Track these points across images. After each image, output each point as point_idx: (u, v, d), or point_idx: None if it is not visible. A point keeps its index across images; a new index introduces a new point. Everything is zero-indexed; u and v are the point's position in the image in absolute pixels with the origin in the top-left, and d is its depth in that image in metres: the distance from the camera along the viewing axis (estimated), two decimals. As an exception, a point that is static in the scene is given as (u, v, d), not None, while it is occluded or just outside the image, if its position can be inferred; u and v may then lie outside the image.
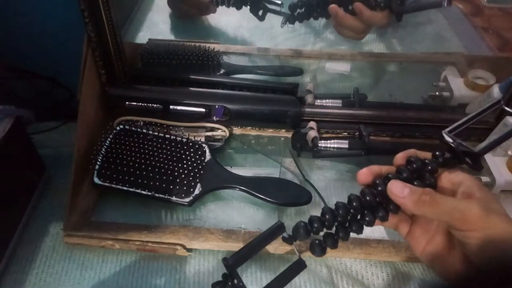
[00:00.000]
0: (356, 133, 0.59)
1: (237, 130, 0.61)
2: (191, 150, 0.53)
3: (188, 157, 0.52)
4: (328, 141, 0.57)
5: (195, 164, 0.52)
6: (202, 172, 0.52)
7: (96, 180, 0.50)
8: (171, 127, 0.57)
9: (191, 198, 0.50)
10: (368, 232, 0.50)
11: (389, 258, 0.47)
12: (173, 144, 0.53)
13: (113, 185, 0.50)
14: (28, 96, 0.70)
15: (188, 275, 0.47)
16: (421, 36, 0.76)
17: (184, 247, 0.47)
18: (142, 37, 0.73)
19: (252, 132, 0.61)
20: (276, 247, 0.47)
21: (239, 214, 0.51)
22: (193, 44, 0.68)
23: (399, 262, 0.48)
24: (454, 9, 0.79)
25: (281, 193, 0.51)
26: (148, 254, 0.48)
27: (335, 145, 0.57)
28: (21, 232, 0.49)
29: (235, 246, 0.47)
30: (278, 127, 0.61)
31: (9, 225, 0.48)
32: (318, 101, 0.62)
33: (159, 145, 0.52)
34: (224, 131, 0.59)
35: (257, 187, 0.51)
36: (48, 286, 0.45)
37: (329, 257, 0.48)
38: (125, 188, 0.49)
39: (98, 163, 0.51)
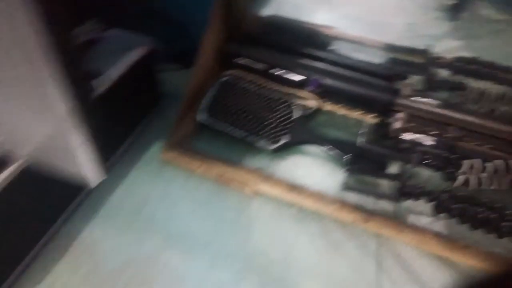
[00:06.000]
0: (445, 135, 0.57)
1: (326, 106, 0.64)
2: (284, 104, 0.61)
3: (280, 110, 0.60)
4: (414, 136, 0.57)
5: (286, 117, 0.59)
6: (292, 125, 0.59)
7: (199, 117, 0.60)
8: (269, 87, 0.63)
9: (277, 145, 0.57)
10: (426, 223, 0.49)
11: (442, 253, 0.47)
12: (270, 97, 0.61)
13: (212, 124, 0.59)
14: (161, 39, 0.79)
15: (251, 216, 0.52)
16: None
17: (252, 188, 0.53)
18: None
19: (341, 111, 0.64)
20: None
21: (307, 174, 0.56)
22: (308, 25, 0.73)
23: (448, 257, 0.47)
24: None
25: (363, 160, 0.55)
26: (220, 191, 0.55)
27: (420, 141, 0.57)
28: (128, 145, 0.60)
29: (295, 199, 0.52)
30: (367, 111, 0.62)
31: (119, 138, 0.58)
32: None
33: (256, 97, 0.61)
34: (315, 101, 0.62)
35: (344, 149, 0.56)
36: (136, 196, 0.55)
37: (382, 235, 0.49)
38: (221, 128, 0.58)
39: (203, 104, 0.61)
